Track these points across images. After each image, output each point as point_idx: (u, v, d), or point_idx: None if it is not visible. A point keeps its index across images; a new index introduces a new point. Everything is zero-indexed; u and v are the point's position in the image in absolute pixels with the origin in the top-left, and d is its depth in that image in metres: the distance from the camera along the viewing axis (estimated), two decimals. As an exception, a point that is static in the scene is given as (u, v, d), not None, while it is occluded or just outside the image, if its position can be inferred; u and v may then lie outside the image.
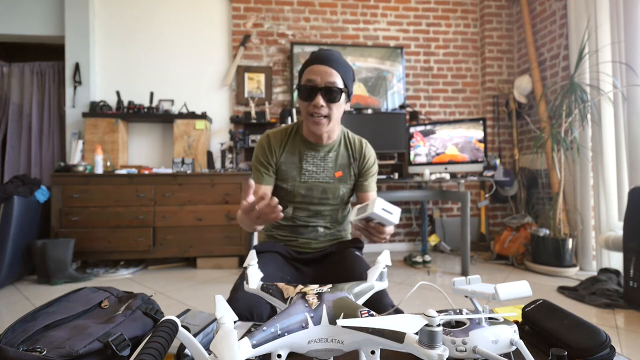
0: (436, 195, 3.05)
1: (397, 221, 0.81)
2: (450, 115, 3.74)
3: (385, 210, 0.79)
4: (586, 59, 2.73)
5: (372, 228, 0.86)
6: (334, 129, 1.10)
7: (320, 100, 1.00)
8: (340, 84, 1.01)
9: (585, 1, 2.79)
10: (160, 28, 3.41)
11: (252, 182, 0.81)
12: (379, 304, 0.90)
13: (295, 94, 3.37)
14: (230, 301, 0.90)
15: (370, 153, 1.19)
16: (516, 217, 3.22)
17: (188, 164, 3.04)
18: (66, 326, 0.53)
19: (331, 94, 1.00)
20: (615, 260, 2.60)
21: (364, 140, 1.20)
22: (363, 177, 1.17)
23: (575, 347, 0.53)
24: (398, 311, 0.88)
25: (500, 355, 0.49)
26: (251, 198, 0.83)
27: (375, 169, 1.20)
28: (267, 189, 1.12)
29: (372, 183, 1.18)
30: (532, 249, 2.86)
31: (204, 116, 3.20)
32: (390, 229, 0.87)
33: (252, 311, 0.87)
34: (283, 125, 1.19)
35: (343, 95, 1.02)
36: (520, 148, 3.63)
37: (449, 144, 3.05)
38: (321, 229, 1.15)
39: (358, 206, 0.86)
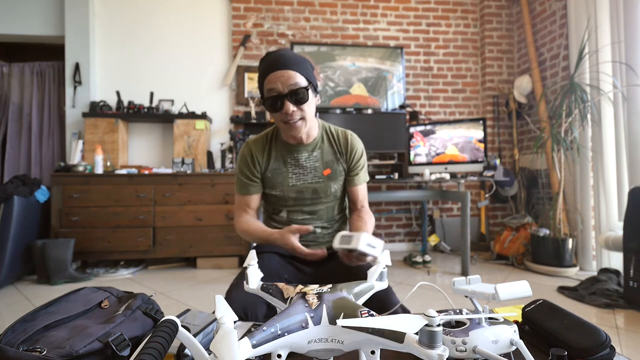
0: (436, 195, 3.05)
1: (380, 254, 0.78)
2: (450, 115, 3.74)
3: (370, 245, 0.79)
4: (586, 59, 2.73)
5: (354, 257, 0.87)
6: (311, 127, 1.07)
7: (290, 107, 0.96)
8: (303, 82, 0.97)
9: (585, 1, 2.79)
10: (160, 28, 3.41)
11: (311, 228, 0.97)
12: (386, 302, 0.89)
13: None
14: (226, 300, 0.90)
15: (356, 145, 1.13)
16: (516, 217, 3.22)
17: (188, 164, 3.04)
18: (66, 326, 0.53)
19: (298, 96, 0.96)
20: (615, 260, 2.60)
21: (349, 132, 1.15)
22: (353, 171, 1.13)
23: (575, 347, 0.53)
24: (404, 309, 0.88)
25: (500, 355, 0.49)
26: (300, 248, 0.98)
27: (364, 160, 1.15)
28: (256, 198, 1.13)
29: (362, 175, 1.14)
30: (532, 249, 2.86)
31: (204, 116, 3.20)
32: (370, 258, 0.84)
33: (247, 311, 0.87)
34: (263, 132, 1.17)
35: (310, 92, 0.99)
36: (520, 148, 3.63)
37: (449, 144, 3.05)
38: (319, 230, 1.13)
39: (342, 233, 0.85)
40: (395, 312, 0.84)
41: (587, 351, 0.52)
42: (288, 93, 0.96)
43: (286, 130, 1.03)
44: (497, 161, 3.22)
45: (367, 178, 1.17)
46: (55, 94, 3.43)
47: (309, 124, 1.04)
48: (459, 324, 0.56)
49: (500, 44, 3.73)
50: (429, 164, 3.12)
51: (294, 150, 1.09)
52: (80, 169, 2.87)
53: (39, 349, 0.46)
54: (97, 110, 3.12)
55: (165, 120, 3.30)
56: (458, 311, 0.59)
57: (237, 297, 0.89)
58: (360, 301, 0.57)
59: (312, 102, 1.02)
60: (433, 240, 3.42)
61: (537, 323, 0.61)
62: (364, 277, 0.63)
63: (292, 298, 0.53)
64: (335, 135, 1.14)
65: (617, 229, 2.58)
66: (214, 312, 0.53)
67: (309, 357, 0.47)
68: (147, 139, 3.39)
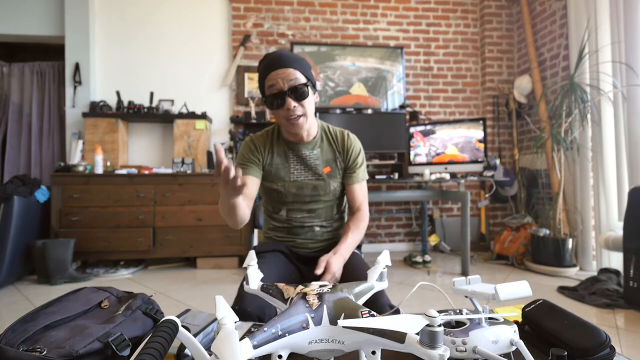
0: (436, 195, 3.05)
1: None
2: (450, 115, 3.74)
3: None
4: (586, 59, 2.73)
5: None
6: (312, 125, 1.10)
7: (291, 102, 0.99)
8: (302, 79, 1.00)
9: (585, 1, 2.79)
10: (160, 28, 3.40)
11: (218, 144, 0.69)
12: (377, 304, 0.90)
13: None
14: (238, 301, 0.90)
15: (353, 144, 1.15)
16: (516, 217, 3.22)
17: (188, 164, 3.04)
18: (66, 326, 0.53)
19: (298, 92, 0.99)
20: (615, 260, 2.60)
21: (346, 132, 1.17)
22: (350, 169, 1.14)
23: (575, 347, 0.53)
24: (397, 312, 0.88)
25: (500, 355, 0.49)
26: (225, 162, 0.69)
27: (361, 159, 1.16)
28: (252, 182, 1.07)
29: (360, 174, 1.15)
30: (532, 249, 2.86)
31: (204, 116, 3.20)
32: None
33: (264, 311, 0.87)
34: (265, 129, 1.16)
35: (310, 89, 1.02)
36: (520, 148, 3.63)
37: (449, 144, 3.05)
38: (317, 228, 1.15)
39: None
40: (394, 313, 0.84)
41: (587, 351, 0.52)
42: (289, 89, 0.98)
43: (288, 127, 1.05)
44: (497, 161, 3.22)
45: (366, 177, 1.18)
46: (55, 94, 3.43)
47: (310, 121, 1.07)
48: (459, 324, 0.56)
49: (500, 44, 3.73)
50: (429, 164, 3.12)
51: (296, 147, 1.11)
52: (80, 169, 2.87)
53: (39, 349, 0.46)
54: (97, 110, 3.12)
55: (165, 120, 3.30)
56: (458, 311, 0.59)
57: (251, 297, 0.86)
58: (361, 301, 0.57)
59: (312, 99, 1.05)
60: (433, 240, 3.42)
61: (537, 323, 0.61)
62: (364, 277, 0.64)
63: (292, 298, 0.53)
64: (333, 134, 1.16)
65: (617, 229, 2.58)
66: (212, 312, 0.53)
67: (310, 357, 0.47)
68: (147, 139, 3.39)
